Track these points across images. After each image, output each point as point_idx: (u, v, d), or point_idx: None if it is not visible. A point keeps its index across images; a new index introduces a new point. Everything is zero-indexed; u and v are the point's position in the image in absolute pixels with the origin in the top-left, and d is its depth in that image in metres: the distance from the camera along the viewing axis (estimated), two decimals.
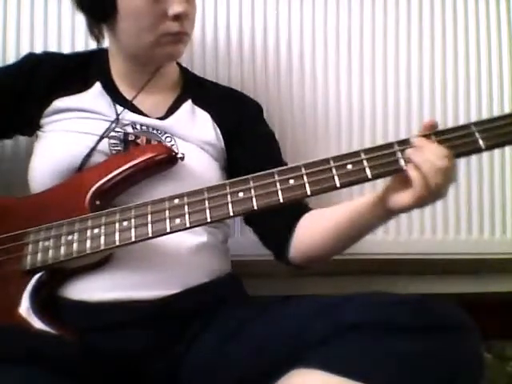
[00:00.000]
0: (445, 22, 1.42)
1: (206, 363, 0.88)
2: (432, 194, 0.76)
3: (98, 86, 1.05)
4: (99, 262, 0.90)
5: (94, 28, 1.05)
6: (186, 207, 0.83)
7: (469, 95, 1.42)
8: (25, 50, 1.26)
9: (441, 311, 0.75)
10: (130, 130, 1.01)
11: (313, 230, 0.98)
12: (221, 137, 1.07)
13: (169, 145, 1.00)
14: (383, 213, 0.86)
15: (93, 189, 0.93)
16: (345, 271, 1.31)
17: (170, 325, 0.91)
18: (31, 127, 1.06)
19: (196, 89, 1.12)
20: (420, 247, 1.39)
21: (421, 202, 0.78)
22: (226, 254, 1.07)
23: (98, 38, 1.06)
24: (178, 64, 1.16)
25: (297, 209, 1.01)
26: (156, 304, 0.90)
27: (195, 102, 1.09)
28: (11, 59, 1.25)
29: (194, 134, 1.04)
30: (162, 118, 1.04)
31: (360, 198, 0.91)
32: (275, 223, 1.01)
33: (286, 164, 1.04)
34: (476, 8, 1.42)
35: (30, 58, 1.09)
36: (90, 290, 0.90)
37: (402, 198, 0.79)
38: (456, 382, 0.72)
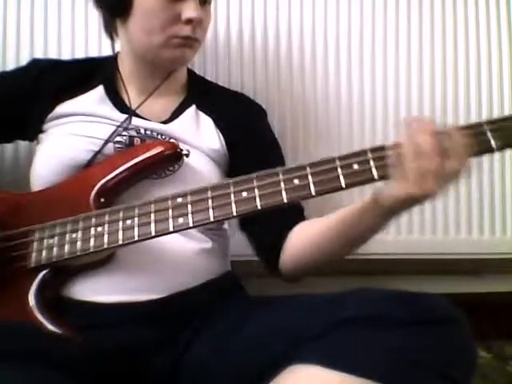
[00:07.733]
0: (445, 21, 1.42)
1: (206, 361, 0.88)
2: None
3: (100, 89, 1.06)
4: (103, 260, 0.90)
5: (109, 25, 1.07)
6: (190, 206, 0.82)
7: (469, 95, 1.43)
8: (25, 55, 1.28)
9: (435, 305, 0.75)
10: (134, 134, 1.01)
11: (303, 237, 0.97)
12: (224, 142, 1.07)
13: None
14: (378, 211, 0.83)
15: (97, 186, 0.92)
16: (345, 271, 1.30)
17: (170, 324, 0.91)
18: (33, 132, 1.06)
19: (201, 93, 1.12)
20: (420, 247, 1.39)
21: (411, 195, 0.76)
22: (226, 257, 1.08)
23: (111, 36, 1.08)
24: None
25: (292, 216, 1.01)
26: (156, 304, 0.91)
27: (199, 107, 1.09)
28: (11, 64, 1.25)
29: (198, 139, 1.04)
30: (165, 122, 1.04)
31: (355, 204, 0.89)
32: (268, 231, 1.01)
33: None
34: (476, 8, 1.43)
35: (35, 65, 1.09)
36: (92, 291, 0.90)
37: (393, 188, 0.77)
38: (451, 374, 0.73)
